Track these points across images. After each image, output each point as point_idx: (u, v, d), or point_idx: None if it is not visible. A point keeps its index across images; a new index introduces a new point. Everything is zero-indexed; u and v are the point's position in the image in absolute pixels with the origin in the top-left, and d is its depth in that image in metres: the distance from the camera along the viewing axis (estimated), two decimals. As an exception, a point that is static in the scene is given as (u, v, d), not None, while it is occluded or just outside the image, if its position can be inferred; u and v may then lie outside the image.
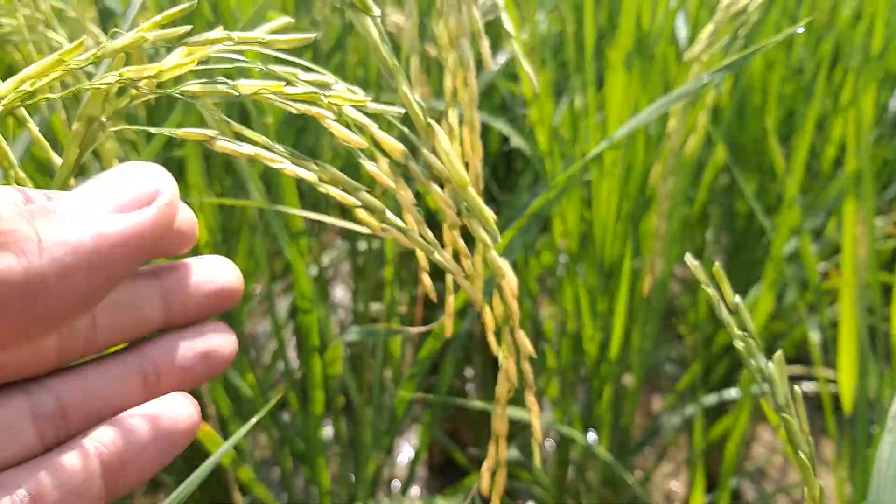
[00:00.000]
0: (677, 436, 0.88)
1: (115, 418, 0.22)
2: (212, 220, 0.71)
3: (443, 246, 0.31)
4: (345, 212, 0.95)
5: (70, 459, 0.20)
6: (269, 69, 0.27)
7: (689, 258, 0.33)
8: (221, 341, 0.24)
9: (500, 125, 0.76)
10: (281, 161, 0.26)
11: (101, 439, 0.21)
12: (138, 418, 0.22)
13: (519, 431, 0.93)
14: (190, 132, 0.26)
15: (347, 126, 0.27)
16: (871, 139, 0.69)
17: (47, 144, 0.31)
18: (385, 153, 0.28)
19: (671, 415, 0.86)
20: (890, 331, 0.63)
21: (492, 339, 0.36)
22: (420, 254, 0.39)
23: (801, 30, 0.38)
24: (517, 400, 0.86)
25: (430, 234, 0.29)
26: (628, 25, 0.62)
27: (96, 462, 0.21)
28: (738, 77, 0.79)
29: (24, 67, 0.42)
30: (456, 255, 0.34)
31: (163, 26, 0.25)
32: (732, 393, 0.81)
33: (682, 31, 0.85)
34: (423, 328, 0.43)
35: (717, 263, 0.32)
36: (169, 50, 0.26)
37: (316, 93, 0.27)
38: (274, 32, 0.27)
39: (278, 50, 0.27)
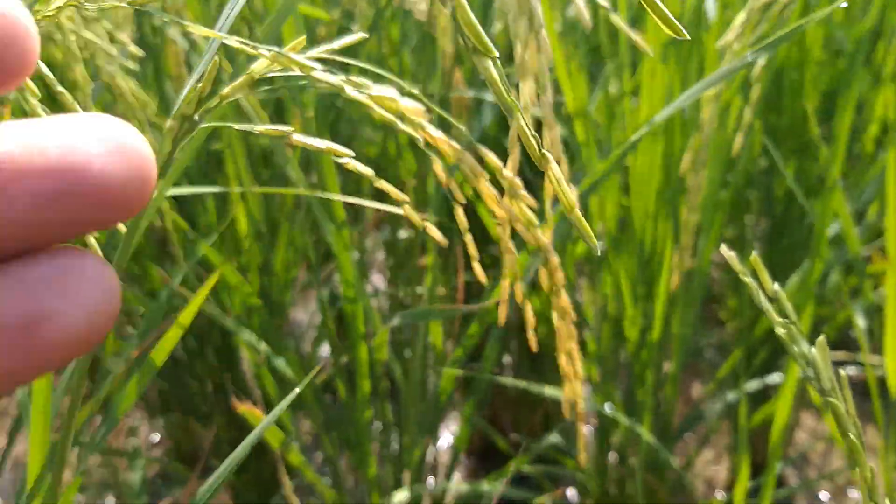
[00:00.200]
0: (719, 423, 0.88)
1: None
2: (255, 211, 0.73)
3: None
4: (381, 199, 0.96)
5: None
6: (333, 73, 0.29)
7: (725, 249, 0.33)
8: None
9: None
10: (347, 154, 0.28)
11: None
12: None
13: (561, 417, 0.94)
14: (270, 128, 0.27)
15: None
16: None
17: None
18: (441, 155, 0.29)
19: (713, 401, 0.86)
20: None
21: (531, 334, 0.39)
22: (469, 241, 0.41)
23: (843, 4, 0.38)
24: (556, 375, 0.86)
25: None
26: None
27: None
28: (773, 59, 0.79)
29: (61, 64, 0.44)
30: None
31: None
32: (776, 378, 0.80)
33: (711, 13, 0.84)
34: (471, 307, 0.44)
35: (754, 253, 0.32)
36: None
37: (394, 99, 0.29)
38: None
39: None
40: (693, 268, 0.65)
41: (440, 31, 0.66)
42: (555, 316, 0.39)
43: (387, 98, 0.28)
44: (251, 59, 0.28)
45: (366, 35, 0.29)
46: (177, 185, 0.78)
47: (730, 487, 0.97)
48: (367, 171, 0.28)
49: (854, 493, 1.04)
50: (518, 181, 0.34)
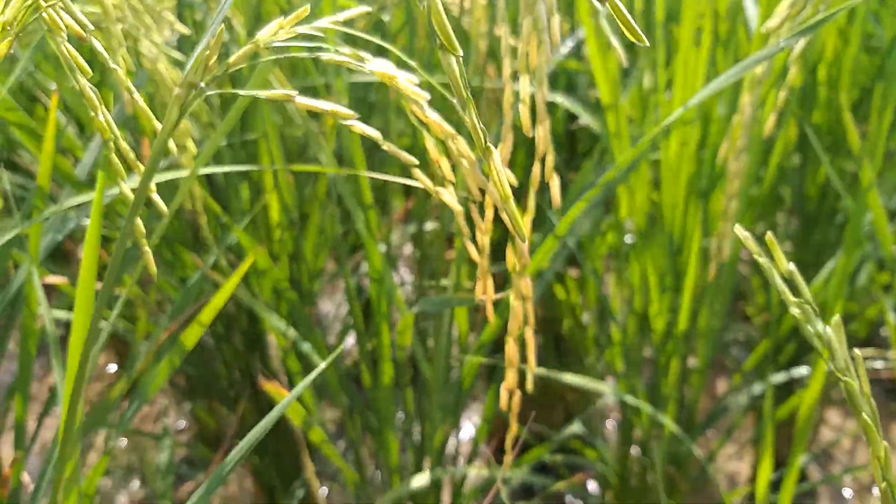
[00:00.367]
0: (742, 417, 0.87)
1: None
2: (288, 198, 0.74)
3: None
4: (409, 190, 0.97)
5: None
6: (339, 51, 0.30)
7: (739, 229, 0.33)
8: None
9: (569, 103, 0.76)
10: (350, 116, 0.29)
11: None
12: None
13: (583, 406, 0.94)
14: (273, 93, 0.28)
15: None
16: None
17: (150, 113, 0.33)
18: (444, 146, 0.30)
19: (737, 395, 0.85)
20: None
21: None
22: (483, 260, 0.41)
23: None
24: (579, 368, 0.86)
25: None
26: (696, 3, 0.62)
27: None
28: (810, 51, 0.78)
29: (104, 52, 0.45)
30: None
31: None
32: (802, 371, 0.80)
33: (751, 9, 0.84)
34: (495, 295, 0.45)
35: (769, 233, 0.33)
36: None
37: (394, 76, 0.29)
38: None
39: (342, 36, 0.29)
40: (721, 264, 0.64)
41: (474, 24, 0.67)
42: (512, 297, 0.39)
43: (386, 74, 0.28)
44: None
45: (369, 9, 0.29)
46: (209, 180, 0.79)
47: (751, 481, 0.97)
48: (374, 132, 0.29)
49: (878, 492, 1.03)
50: (497, 157, 0.34)
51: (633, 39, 0.22)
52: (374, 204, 0.67)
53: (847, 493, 1.02)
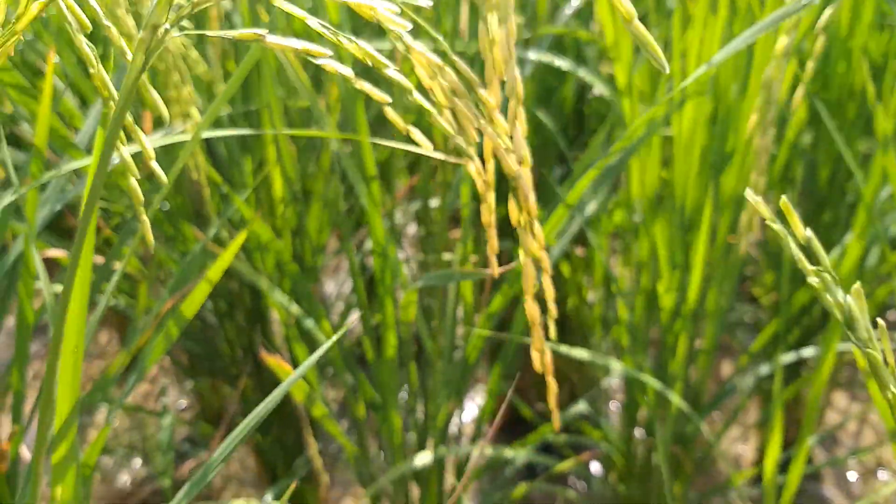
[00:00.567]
0: (746, 400, 0.87)
1: None
2: (291, 171, 0.73)
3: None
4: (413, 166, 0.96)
5: None
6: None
7: (750, 193, 0.32)
8: None
9: (583, 72, 0.75)
10: (323, 55, 0.28)
11: None
12: None
13: (587, 388, 0.93)
14: (245, 32, 0.27)
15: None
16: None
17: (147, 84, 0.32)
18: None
19: (743, 376, 0.85)
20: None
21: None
22: (485, 209, 0.40)
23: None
24: (584, 347, 0.85)
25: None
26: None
27: None
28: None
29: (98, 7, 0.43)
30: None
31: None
32: (811, 351, 0.79)
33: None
34: (501, 268, 0.44)
35: (783, 197, 0.31)
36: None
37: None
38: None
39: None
40: (748, 240, 0.63)
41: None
42: (521, 254, 0.36)
43: (363, 4, 0.27)
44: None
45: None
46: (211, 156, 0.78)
47: (757, 464, 0.96)
48: (347, 70, 0.28)
49: (883, 475, 1.02)
50: (492, 101, 0.33)
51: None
52: (378, 179, 0.66)
53: (852, 476, 1.02)
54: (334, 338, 0.35)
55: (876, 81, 0.86)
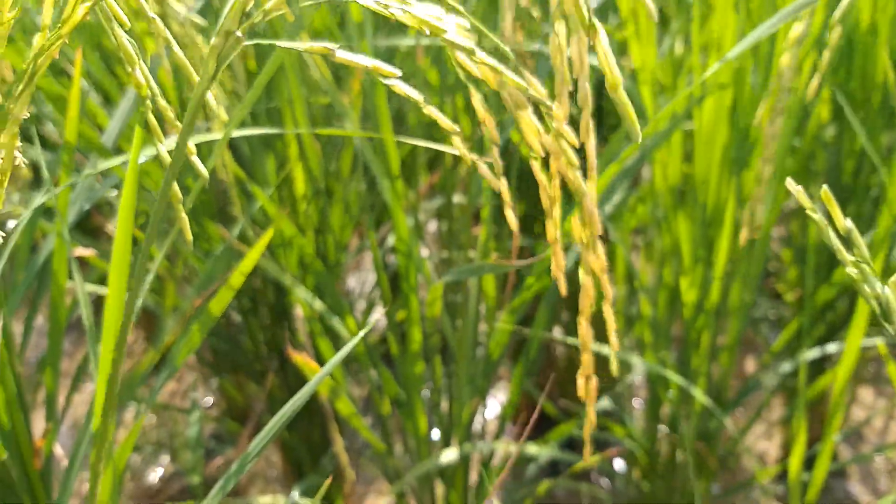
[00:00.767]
0: (770, 396, 0.86)
1: None
2: (314, 167, 0.73)
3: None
4: (434, 161, 0.96)
5: None
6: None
7: (791, 183, 0.32)
8: None
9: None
10: (393, 74, 0.28)
11: None
12: None
13: (611, 384, 0.93)
14: (314, 46, 0.27)
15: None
16: None
17: (190, 66, 0.32)
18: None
19: (766, 373, 0.84)
20: None
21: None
22: (509, 212, 0.39)
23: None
24: (605, 344, 0.85)
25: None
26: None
27: None
28: (846, 19, 0.76)
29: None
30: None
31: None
32: (834, 347, 0.79)
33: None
34: (522, 262, 0.44)
35: (825, 187, 0.31)
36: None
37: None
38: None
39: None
40: (754, 232, 0.63)
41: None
42: (581, 273, 0.35)
43: (432, 18, 0.27)
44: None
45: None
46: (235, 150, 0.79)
47: (781, 461, 0.96)
48: (416, 94, 0.28)
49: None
50: (560, 114, 0.32)
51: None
52: (401, 176, 0.67)
53: (878, 472, 1.01)
54: (360, 334, 0.36)
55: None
